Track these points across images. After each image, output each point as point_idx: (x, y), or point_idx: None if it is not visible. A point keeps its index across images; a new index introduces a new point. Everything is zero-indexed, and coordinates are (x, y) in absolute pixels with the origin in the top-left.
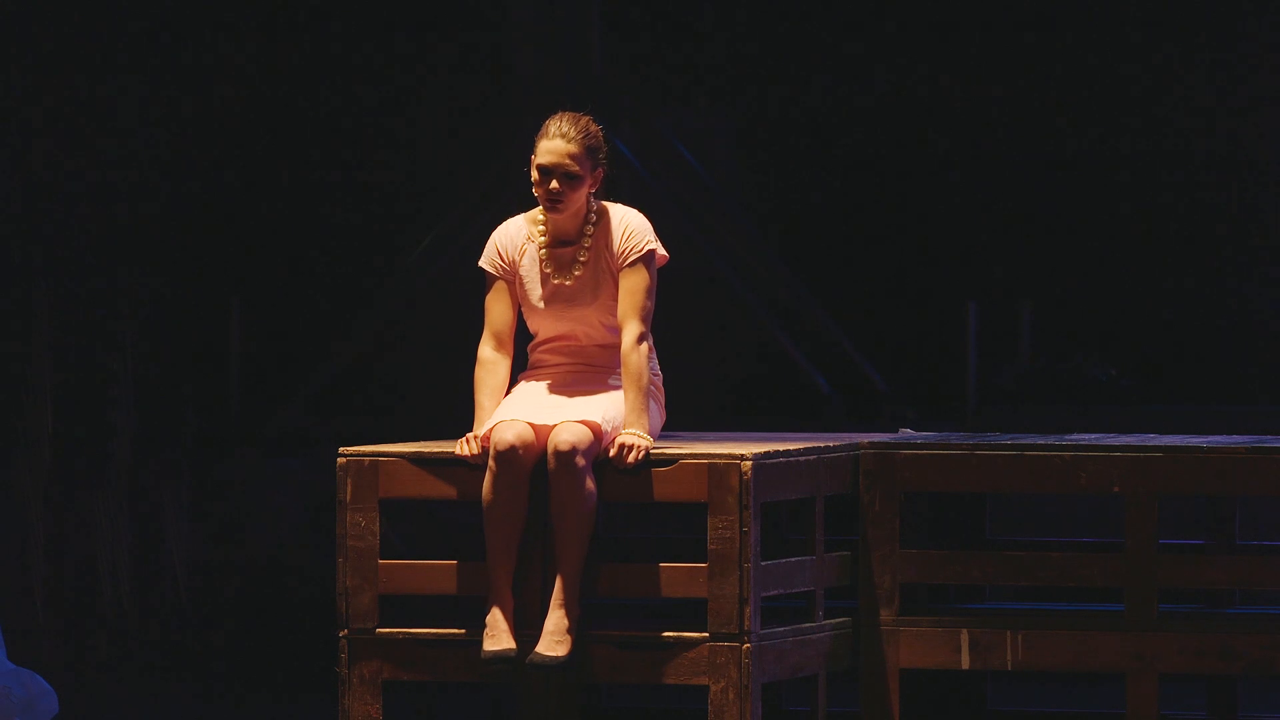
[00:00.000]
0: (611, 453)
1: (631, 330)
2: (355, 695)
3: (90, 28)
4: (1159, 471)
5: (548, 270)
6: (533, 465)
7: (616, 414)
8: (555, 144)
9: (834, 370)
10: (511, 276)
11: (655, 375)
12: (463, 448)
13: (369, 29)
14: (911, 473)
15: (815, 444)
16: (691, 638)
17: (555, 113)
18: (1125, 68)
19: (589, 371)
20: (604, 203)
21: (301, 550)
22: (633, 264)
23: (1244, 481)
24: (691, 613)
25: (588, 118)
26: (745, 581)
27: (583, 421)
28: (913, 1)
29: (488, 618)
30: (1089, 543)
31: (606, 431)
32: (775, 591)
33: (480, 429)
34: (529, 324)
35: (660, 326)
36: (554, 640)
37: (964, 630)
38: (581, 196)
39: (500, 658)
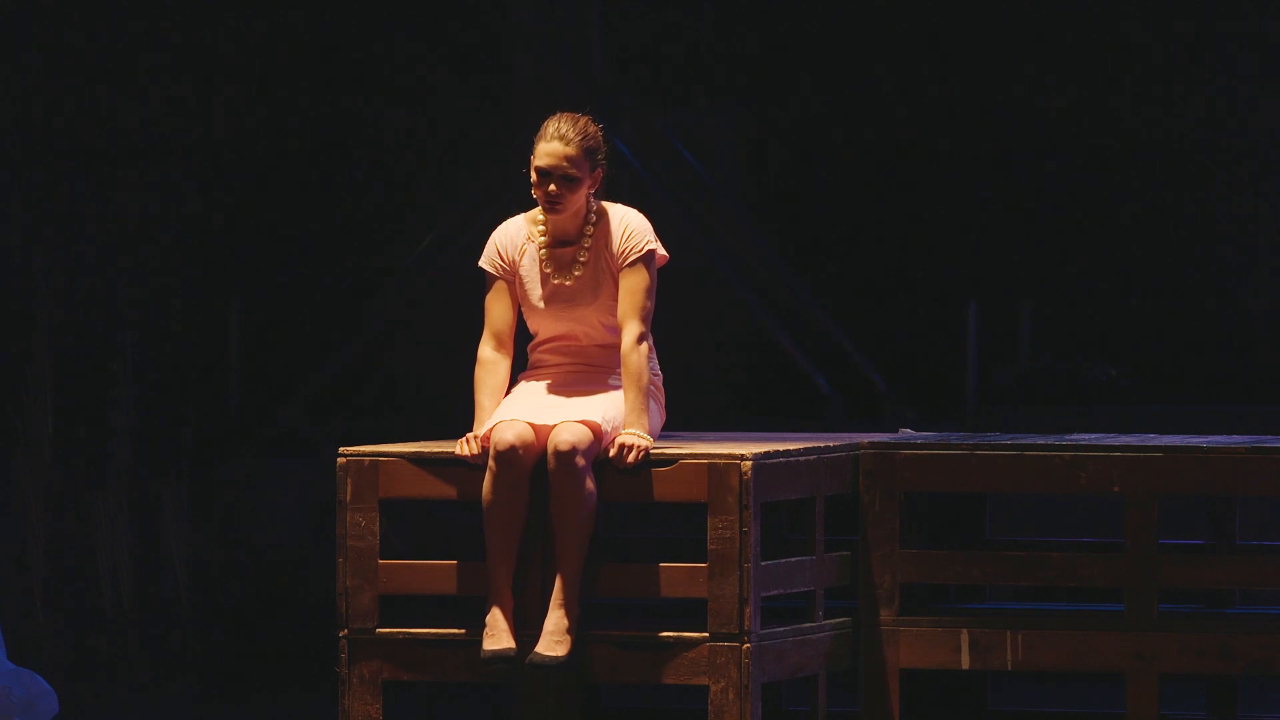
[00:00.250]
0: (611, 453)
1: (631, 330)
2: (355, 695)
3: (90, 28)
4: (1159, 471)
5: (548, 270)
6: (533, 465)
7: (616, 414)
8: (553, 146)
9: (834, 370)
10: (511, 276)
11: (655, 375)
12: (463, 448)
13: (369, 29)
14: (911, 473)
15: (815, 444)
16: (691, 638)
17: (554, 113)
18: (1125, 68)
19: (589, 371)
20: (604, 203)
21: (301, 550)
22: (633, 264)
23: (1244, 481)
24: (691, 613)
25: (586, 118)
26: (745, 581)
27: (583, 421)
28: (913, 1)
29: (488, 617)
30: (1089, 543)
31: (606, 431)
32: (775, 591)
33: (480, 429)
34: (529, 324)
35: (660, 326)
36: (554, 640)
37: (964, 630)
38: (581, 197)
39: (500, 657)
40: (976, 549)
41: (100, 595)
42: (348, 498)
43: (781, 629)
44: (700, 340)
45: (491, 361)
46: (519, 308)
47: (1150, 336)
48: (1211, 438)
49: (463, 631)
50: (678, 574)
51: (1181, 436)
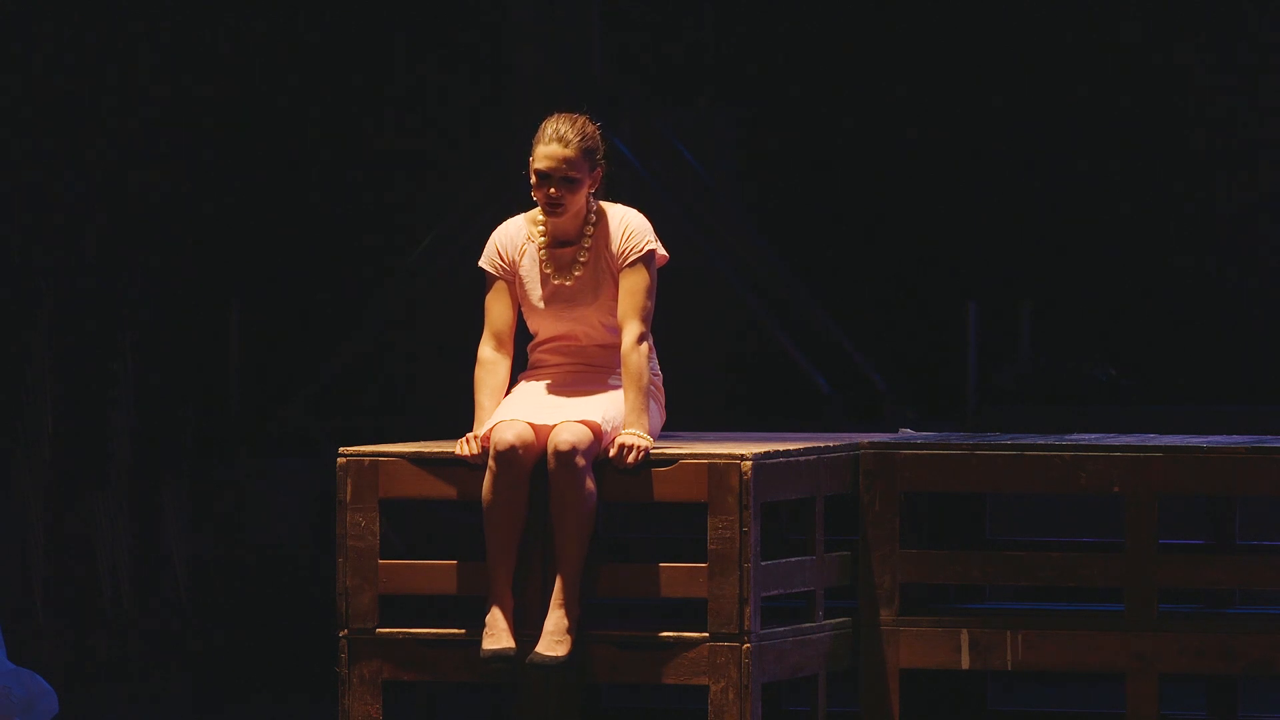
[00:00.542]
0: (611, 453)
1: (631, 330)
2: (355, 695)
3: (90, 29)
4: (1159, 471)
5: (548, 270)
6: (533, 465)
7: (616, 414)
8: (552, 148)
9: (834, 370)
10: (511, 276)
11: (655, 375)
12: (463, 448)
13: (369, 29)
14: (911, 473)
15: (815, 444)
16: (691, 638)
17: (552, 114)
18: (1126, 67)
19: (589, 371)
20: (603, 203)
21: (301, 550)
22: (633, 264)
23: (1244, 481)
24: (691, 613)
25: (584, 118)
26: (745, 581)
27: (583, 421)
28: (914, 1)
29: (487, 617)
30: (1089, 543)
31: (606, 431)
32: (775, 591)
33: (480, 429)
34: (529, 324)
35: (660, 326)
36: (554, 640)
37: (964, 630)
38: (581, 198)
39: (500, 657)
40: (976, 549)
41: (100, 595)
42: (348, 498)
43: (781, 629)
44: (700, 340)
45: (491, 361)
46: (519, 308)
47: (1150, 336)
48: (1211, 438)
49: (463, 631)
50: (678, 574)
51: (1181, 436)
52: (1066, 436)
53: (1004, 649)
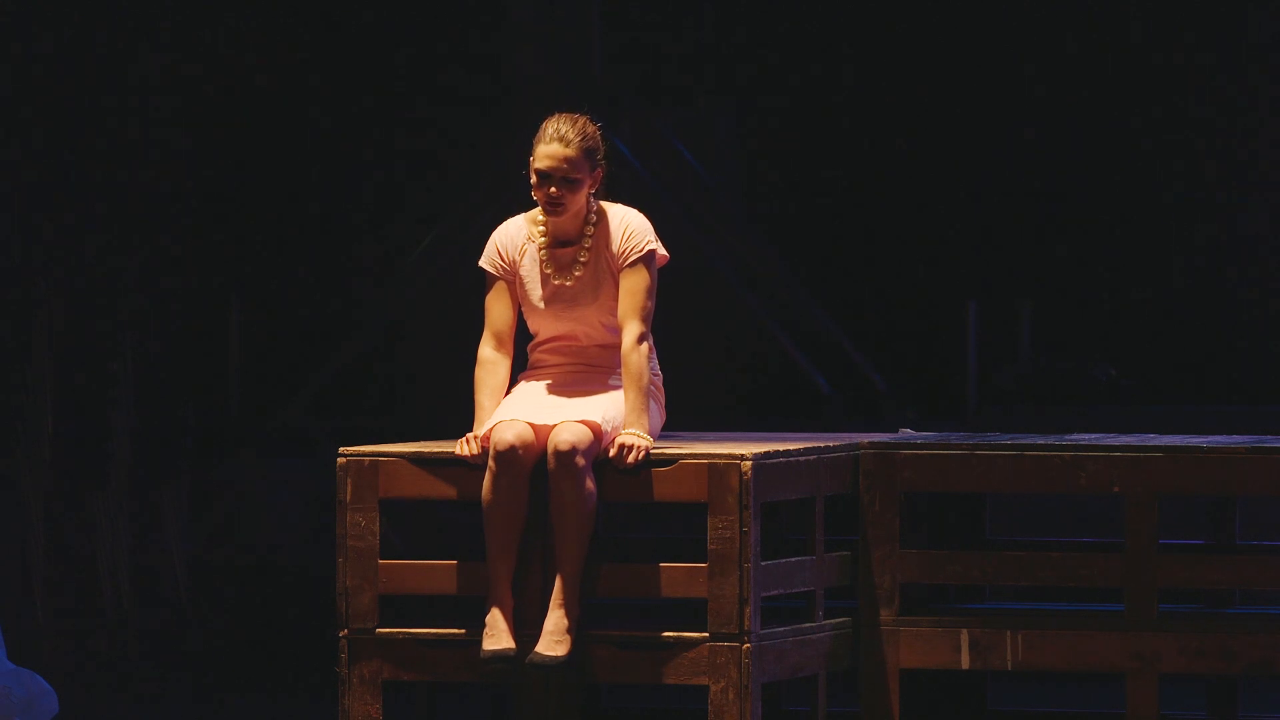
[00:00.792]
0: (611, 453)
1: (632, 330)
2: (355, 695)
3: (89, 29)
4: (1159, 471)
5: (548, 270)
6: (533, 465)
7: (616, 414)
8: (552, 148)
9: (834, 370)
10: (511, 276)
11: (655, 375)
12: (463, 448)
13: (369, 29)
14: (911, 473)
15: (815, 444)
16: (691, 638)
17: (552, 113)
18: (1126, 68)
19: (589, 371)
20: (603, 203)
21: (301, 550)
22: (633, 264)
23: (1244, 481)
24: (691, 613)
25: (585, 118)
26: (745, 581)
27: (583, 421)
28: (914, 1)
29: (487, 617)
30: (1089, 543)
31: (606, 431)
32: (775, 591)
33: (480, 429)
34: (529, 324)
35: (660, 326)
36: (554, 640)
37: (964, 630)
38: (581, 198)
39: (500, 657)
40: (976, 549)
41: (100, 595)
42: (348, 498)
43: (781, 629)
44: (700, 340)
45: (491, 361)
46: (519, 308)
47: (1150, 336)
48: (1211, 438)
49: (463, 631)
50: (678, 574)
51: (1181, 436)
52: (1066, 436)
53: (1004, 649)
